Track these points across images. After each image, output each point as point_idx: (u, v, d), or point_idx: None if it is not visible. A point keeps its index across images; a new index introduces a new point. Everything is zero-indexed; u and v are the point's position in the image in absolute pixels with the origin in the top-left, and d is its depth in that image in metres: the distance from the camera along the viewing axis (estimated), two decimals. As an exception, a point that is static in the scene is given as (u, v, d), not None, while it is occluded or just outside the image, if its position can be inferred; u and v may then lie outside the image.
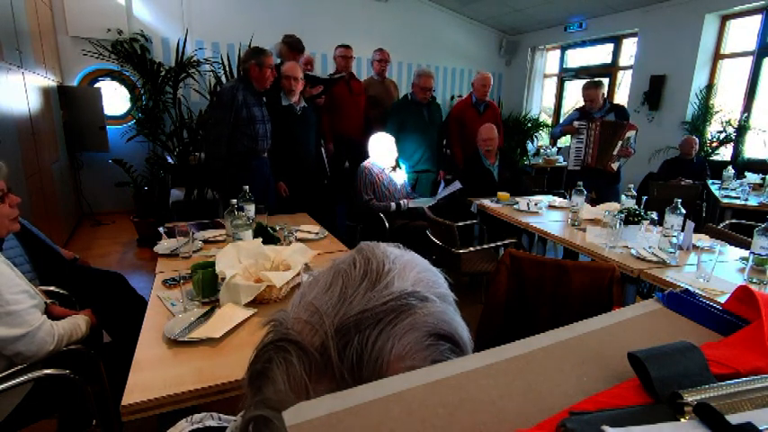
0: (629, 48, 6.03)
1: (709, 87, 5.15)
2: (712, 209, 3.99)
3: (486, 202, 3.20)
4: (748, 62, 4.89)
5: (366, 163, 3.33)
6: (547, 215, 2.91)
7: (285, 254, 1.58)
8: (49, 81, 4.22)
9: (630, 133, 3.43)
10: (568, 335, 0.34)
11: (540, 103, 7.58)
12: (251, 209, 2.19)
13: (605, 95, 3.69)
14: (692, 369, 0.27)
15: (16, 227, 1.49)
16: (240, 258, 1.51)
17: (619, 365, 0.30)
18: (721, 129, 5.09)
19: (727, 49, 5.12)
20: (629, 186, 2.81)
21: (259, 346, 0.35)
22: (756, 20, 4.79)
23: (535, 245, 3.85)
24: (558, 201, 3.34)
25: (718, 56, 5.14)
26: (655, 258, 1.94)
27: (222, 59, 4.56)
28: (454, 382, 0.27)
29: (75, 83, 4.97)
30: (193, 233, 2.09)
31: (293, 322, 0.34)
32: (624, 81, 6.15)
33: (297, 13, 5.78)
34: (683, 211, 2.09)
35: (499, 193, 3.25)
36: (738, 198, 3.72)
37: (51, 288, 1.72)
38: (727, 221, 3.39)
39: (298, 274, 1.48)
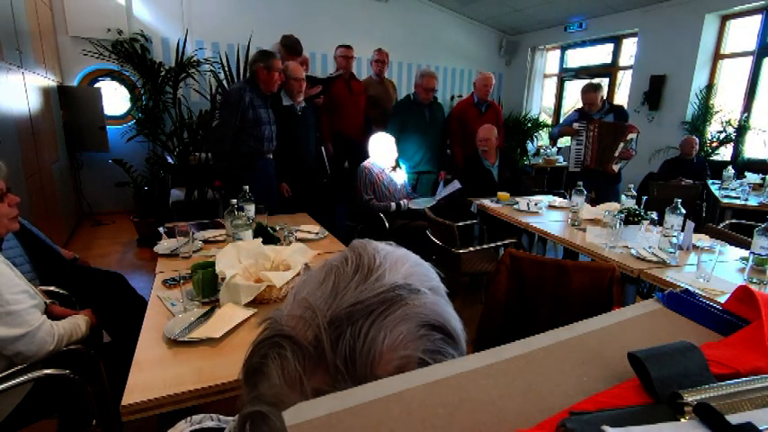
0: (629, 48, 6.03)
1: (709, 87, 5.15)
2: (712, 209, 3.99)
3: (486, 202, 3.20)
4: (748, 62, 4.89)
5: (366, 163, 3.33)
6: (547, 215, 2.91)
7: (285, 254, 1.58)
8: (49, 81, 4.22)
9: (632, 135, 3.43)
10: (568, 335, 0.33)
11: (540, 103, 7.58)
12: (251, 209, 2.19)
13: (604, 97, 3.69)
14: (692, 369, 0.27)
15: (16, 226, 1.49)
16: (240, 258, 1.51)
17: (619, 365, 0.30)
18: (721, 129, 5.09)
19: (727, 49, 5.12)
20: (629, 186, 2.81)
21: (254, 342, 0.35)
22: (756, 20, 4.79)
23: (535, 245, 3.85)
24: (558, 201, 3.34)
25: (718, 56, 5.14)
26: (655, 258, 1.94)
27: (222, 60, 4.56)
28: (454, 382, 0.27)
29: (75, 83, 4.97)
30: (193, 233, 2.09)
31: (287, 319, 0.34)
32: (624, 81, 6.15)
33: (297, 13, 5.78)
34: (683, 211, 2.09)
35: (499, 194, 3.25)
36: (738, 198, 3.72)
37: (51, 288, 1.72)
38: (727, 221, 3.39)
39: (298, 274, 1.47)
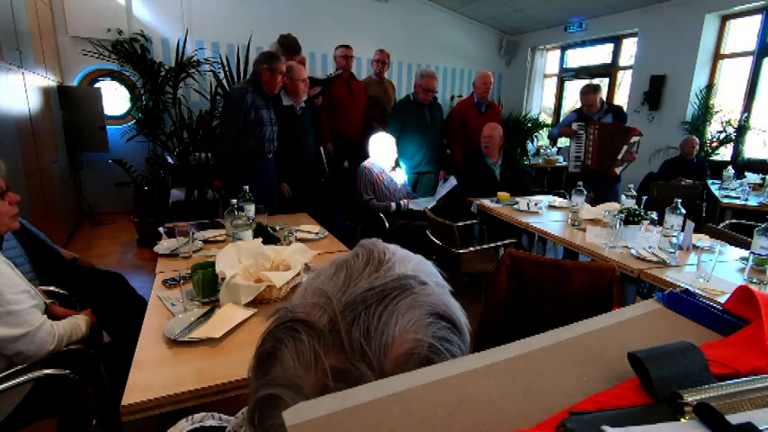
0: (629, 48, 6.03)
1: (709, 87, 5.15)
2: (712, 209, 3.99)
3: (486, 202, 3.20)
4: (748, 62, 4.89)
5: (366, 163, 3.33)
6: (547, 215, 2.91)
7: (285, 254, 1.58)
8: (49, 81, 4.22)
9: (635, 138, 3.43)
10: (568, 335, 0.34)
11: (540, 103, 7.58)
12: (251, 209, 2.19)
13: (603, 98, 3.69)
14: (692, 369, 0.27)
15: (16, 225, 1.49)
16: (240, 258, 1.51)
17: (619, 365, 0.30)
18: (721, 129, 5.08)
19: (727, 49, 5.11)
20: (629, 186, 2.81)
21: (265, 332, 0.35)
22: (756, 20, 4.79)
23: (535, 245, 3.85)
24: (558, 201, 3.34)
25: (718, 56, 5.14)
26: (655, 258, 1.94)
27: (222, 60, 4.56)
28: (454, 382, 0.27)
29: (75, 83, 4.97)
30: (193, 233, 2.09)
31: (300, 307, 0.35)
32: (624, 81, 6.15)
33: (297, 13, 5.78)
34: (683, 211, 2.09)
35: (499, 193, 3.25)
36: (738, 198, 3.72)
37: (51, 288, 1.72)
38: (727, 221, 3.39)
39: (298, 274, 1.48)
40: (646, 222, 2.29)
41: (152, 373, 1.05)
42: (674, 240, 1.96)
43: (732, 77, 5.12)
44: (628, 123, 3.65)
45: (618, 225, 2.14)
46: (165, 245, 2.01)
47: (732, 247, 2.21)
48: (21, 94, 3.24)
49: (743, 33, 5.00)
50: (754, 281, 1.72)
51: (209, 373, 1.05)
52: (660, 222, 2.30)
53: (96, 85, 5.03)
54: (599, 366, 0.30)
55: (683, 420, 0.23)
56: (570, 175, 3.79)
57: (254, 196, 2.22)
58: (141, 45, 4.85)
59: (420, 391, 0.25)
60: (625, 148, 3.44)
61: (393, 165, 3.38)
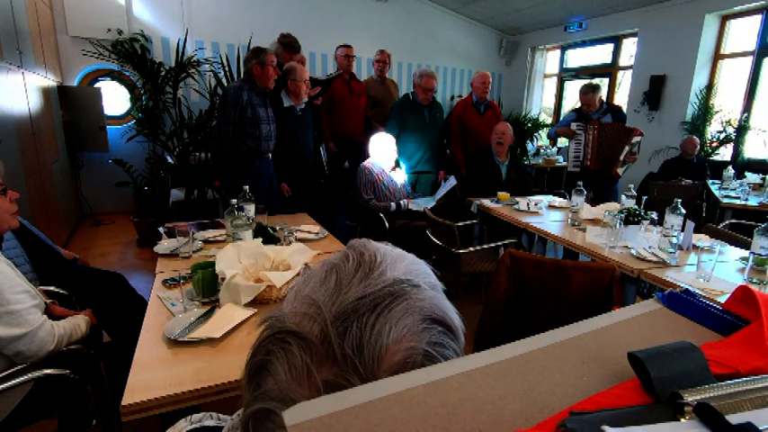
0: (629, 48, 6.04)
1: (709, 87, 5.15)
2: (712, 209, 3.98)
3: (486, 202, 3.20)
4: (748, 62, 4.89)
5: (366, 163, 3.33)
6: (547, 215, 2.91)
7: (285, 254, 1.58)
8: (49, 81, 4.22)
9: (637, 138, 3.42)
10: (568, 335, 0.33)
11: (540, 103, 7.58)
12: (251, 209, 2.19)
13: (602, 98, 3.69)
14: (692, 369, 0.27)
15: (15, 223, 1.49)
16: (240, 258, 1.51)
17: (619, 365, 0.30)
18: (721, 129, 5.09)
19: (727, 49, 5.12)
20: (630, 186, 2.81)
21: (256, 342, 0.35)
22: (756, 20, 4.79)
23: (535, 245, 3.85)
24: (557, 201, 3.34)
25: (718, 56, 5.14)
26: (655, 258, 1.94)
27: (222, 60, 4.56)
28: (454, 382, 0.27)
29: (75, 83, 4.97)
30: (193, 233, 2.09)
31: (290, 317, 0.34)
32: (624, 81, 6.15)
33: (297, 12, 5.78)
34: (683, 211, 2.09)
35: (499, 193, 3.25)
36: (738, 198, 3.72)
37: (51, 288, 1.72)
38: (727, 221, 3.39)
39: (298, 274, 1.47)
40: (646, 222, 2.29)
41: (152, 374, 1.05)
42: (674, 240, 1.96)
43: (732, 77, 5.12)
44: (628, 123, 3.65)
45: (618, 225, 2.14)
46: (165, 245, 2.01)
47: (732, 247, 2.21)
48: (21, 94, 3.24)
49: (743, 33, 5.00)
50: (754, 281, 1.72)
51: (208, 373, 1.05)
52: (660, 222, 2.30)
53: (96, 85, 5.03)
54: (599, 366, 0.30)
55: (683, 420, 0.23)
56: (570, 174, 3.79)
57: (254, 196, 2.22)
58: (141, 45, 4.85)
59: (420, 391, 0.25)
60: (627, 148, 3.43)
61: (393, 165, 3.38)
